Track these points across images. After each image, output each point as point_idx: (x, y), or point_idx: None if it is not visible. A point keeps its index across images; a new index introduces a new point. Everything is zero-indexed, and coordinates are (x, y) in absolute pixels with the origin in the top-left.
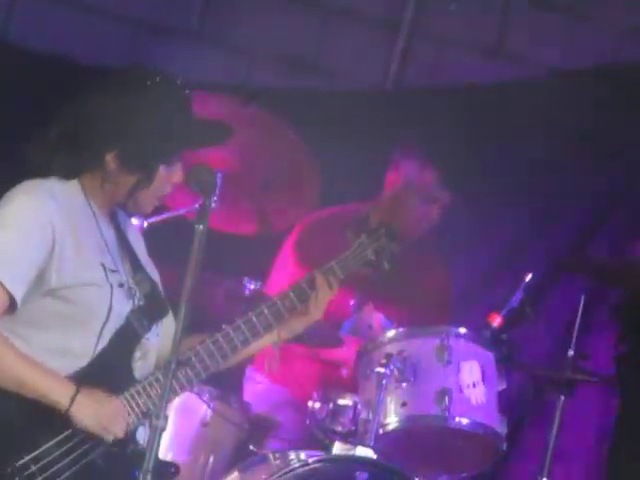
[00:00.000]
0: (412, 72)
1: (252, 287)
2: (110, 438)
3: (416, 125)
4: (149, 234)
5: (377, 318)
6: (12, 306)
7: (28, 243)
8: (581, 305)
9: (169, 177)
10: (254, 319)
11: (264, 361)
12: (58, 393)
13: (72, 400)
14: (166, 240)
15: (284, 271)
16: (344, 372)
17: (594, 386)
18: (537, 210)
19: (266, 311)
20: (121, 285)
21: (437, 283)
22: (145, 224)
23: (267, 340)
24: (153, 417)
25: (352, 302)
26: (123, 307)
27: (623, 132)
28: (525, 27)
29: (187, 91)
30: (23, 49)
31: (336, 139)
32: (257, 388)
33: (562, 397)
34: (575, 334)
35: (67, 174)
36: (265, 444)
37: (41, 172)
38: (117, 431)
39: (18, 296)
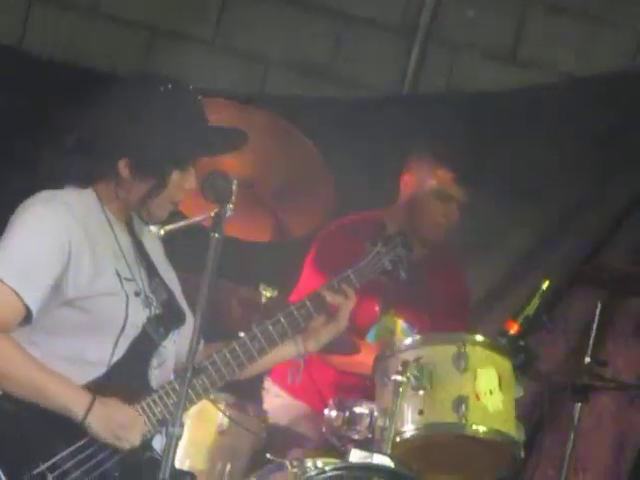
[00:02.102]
0: (428, 79)
1: (268, 295)
2: (126, 447)
3: (432, 131)
4: (166, 242)
5: (397, 324)
6: (28, 317)
7: (44, 255)
8: (598, 311)
9: (182, 183)
10: (270, 328)
11: (287, 372)
12: (74, 402)
13: (88, 409)
14: (183, 248)
15: (307, 281)
16: (362, 379)
17: (611, 392)
18: (553, 215)
19: (282, 320)
20: (137, 294)
21: (456, 290)
22: (162, 232)
23: (292, 351)
24: (169, 425)
25: (377, 309)
26: (139, 316)
27: (638, 138)
28: (540, 33)
29: (200, 97)
30: (38, 57)
31: (351, 146)
32: (275, 401)
33: (579, 404)
34: (592, 341)
35: (81, 182)
36: (282, 452)
37: (56, 180)
38: (133, 440)
39: (34, 308)
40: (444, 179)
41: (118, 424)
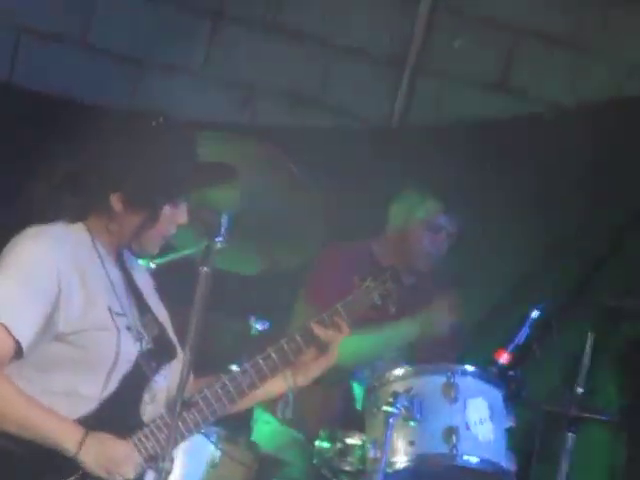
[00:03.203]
0: (417, 109)
1: (259, 328)
2: None
3: (421, 161)
4: (156, 276)
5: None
6: (19, 352)
7: (35, 290)
8: (589, 341)
9: (174, 217)
10: (261, 362)
11: (277, 405)
12: (66, 437)
13: (80, 444)
14: (173, 281)
15: (296, 317)
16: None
17: (603, 424)
18: (542, 245)
19: (273, 354)
20: (129, 328)
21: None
22: (152, 265)
23: (282, 386)
24: (160, 460)
25: None
26: (131, 350)
27: (630, 165)
28: (531, 62)
29: (191, 131)
30: (28, 90)
31: (340, 176)
32: (265, 428)
33: (570, 434)
34: (583, 371)
35: (73, 217)
36: None
37: (46, 215)
38: (126, 475)
39: (25, 343)
40: (433, 210)
41: (111, 459)
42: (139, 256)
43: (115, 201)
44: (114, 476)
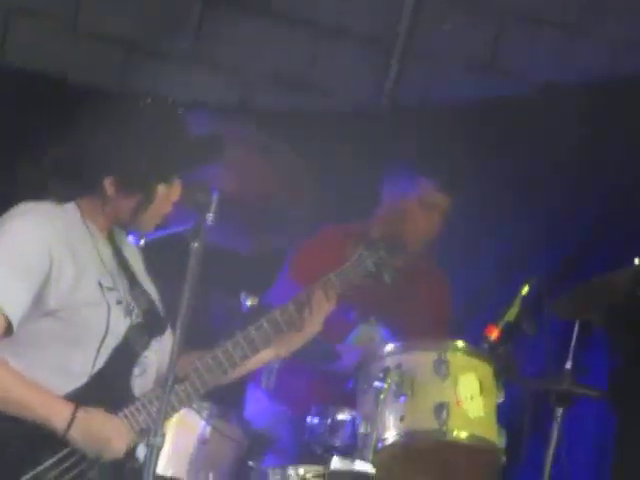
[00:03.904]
0: (406, 90)
1: (250, 303)
2: (109, 458)
3: (410, 141)
4: (147, 251)
5: (379, 331)
6: (9, 328)
7: (25, 266)
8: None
9: (169, 196)
10: (253, 333)
11: (264, 376)
12: (56, 414)
13: (70, 421)
14: (164, 257)
15: (283, 289)
16: (343, 385)
17: (593, 398)
18: (537, 224)
19: (265, 325)
20: (119, 302)
21: (437, 297)
22: (142, 242)
23: (266, 356)
24: (151, 434)
25: (352, 316)
26: (121, 325)
27: (622, 147)
28: (518, 43)
29: (180, 110)
30: (16, 72)
31: (330, 157)
32: (257, 405)
33: (560, 409)
34: (572, 346)
35: (64, 199)
36: (264, 460)
37: (37, 195)
38: (117, 452)
39: (15, 319)
40: (426, 187)
41: (101, 436)
42: (129, 232)
43: (108, 185)
44: (104, 453)
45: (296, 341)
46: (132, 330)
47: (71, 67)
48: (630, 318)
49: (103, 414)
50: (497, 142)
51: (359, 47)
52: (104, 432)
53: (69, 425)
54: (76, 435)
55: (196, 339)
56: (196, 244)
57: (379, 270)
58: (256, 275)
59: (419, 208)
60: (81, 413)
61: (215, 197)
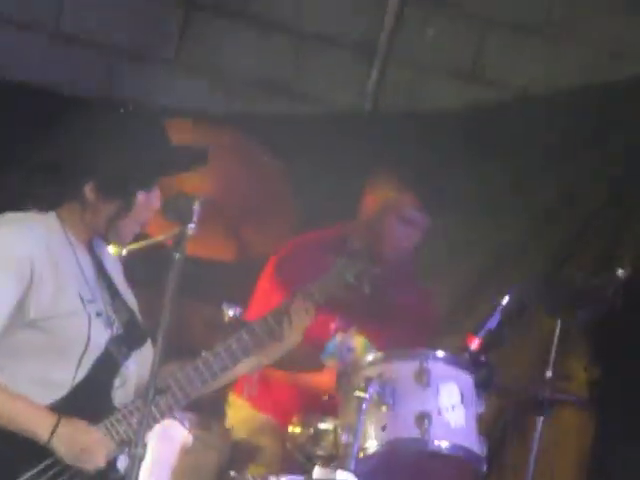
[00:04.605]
0: (388, 96)
1: (231, 314)
2: (91, 470)
3: (393, 148)
4: (128, 261)
5: (359, 341)
6: None
7: (6, 277)
8: (558, 326)
9: (148, 204)
10: (233, 345)
11: (244, 387)
12: (38, 425)
13: (52, 433)
14: (145, 267)
15: (265, 298)
16: (324, 396)
17: (573, 407)
18: (517, 231)
19: (245, 337)
20: (99, 314)
21: (418, 307)
22: (124, 252)
23: (247, 366)
24: (132, 445)
25: (334, 326)
26: (101, 336)
27: (604, 151)
28: (501, 51)
29: (162, 118)
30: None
31: (313, 163)
32: (239, 414)
33: (541, 418)
34: (553, 355)
35: (45, 206)
36: (246, 470)
37: (19, 205)
38: (98, 463)
39: None
40: (405, 204)
41: (83, 447)
42: (111, 242)
43: (88, 191)
44: (85, 464)
45: (277, 351)
46: (113, 342)
47: (54, 73)
48: (610, 326)
49: (85, 425)
50: (480, 149)
51: (342, 52)
52: (86, 443)
53: (51, 435)
54: (58, 445)
55: (177, 350)
56: (177, 254)
57: (359, 281)
58: (238, 285)
59: (398, 223)
60: (64, 424)
61: (197, 205)
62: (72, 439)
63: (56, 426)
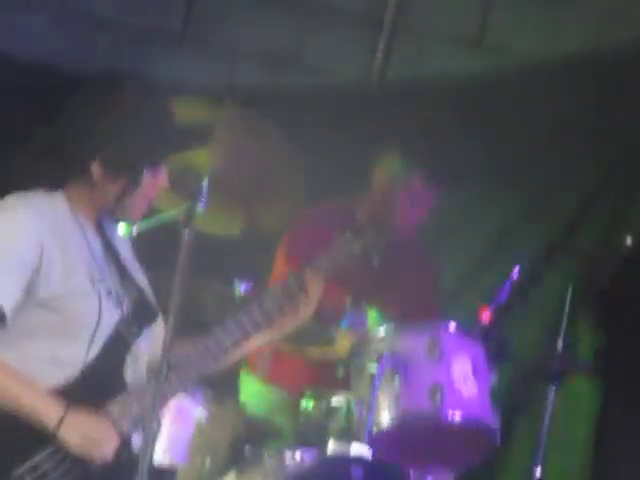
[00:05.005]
0: (396, 67)
1: (242, 289)
2: (98, 460)
3: (400, 119)
4: (138, 240)
5: (371, 315)
6: (2, 321)
7: (16, 258)
8: (569, 296)
9: (155, 181)
10: (244, 320)
11: (256, 362)
12: (45, 416)
13: (59, 424)
14: (155, 245)
15: (278, 272)
16: (338, 370)
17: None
18: (524, 201)
19: (255, 311)
20: (109, 293)
21: (428, 278)
22: (134, 230)
23: (259, 341)
24: (146, 422)
25: (347, 299)
26: (112, 315)
27: (608, 119)
28: (507, 17)
29: (168, 94)
30: (2, 56)
31: (321, 136)
32: (252, 390)
33: (553, 388)
34: (564, 325)
35: (52, 185)
36: (260, 444)
37: (25, 184)
38: (105, 455)
39: (8, 309)
40: (414, 179)
41: (90, 439)
42: (120, 220)
43: (95, 169)
44: (92, 455)
45: (288, 325)
46: (123, 320)
47: (58, 51)
48: (615, 295)
49: (94, 415)
50: (483, 118)
51: (348, 24)
52: (93, 435)
53: (58, 425)
54: (66, 435)
55: (189, 327)
56: (187, 231)
57: (366, 254)
58: (249, 261)
59: (406, 197)
60: (71, 413)
61: (205, 183)
62: (80, 430)
63: (64, 416)
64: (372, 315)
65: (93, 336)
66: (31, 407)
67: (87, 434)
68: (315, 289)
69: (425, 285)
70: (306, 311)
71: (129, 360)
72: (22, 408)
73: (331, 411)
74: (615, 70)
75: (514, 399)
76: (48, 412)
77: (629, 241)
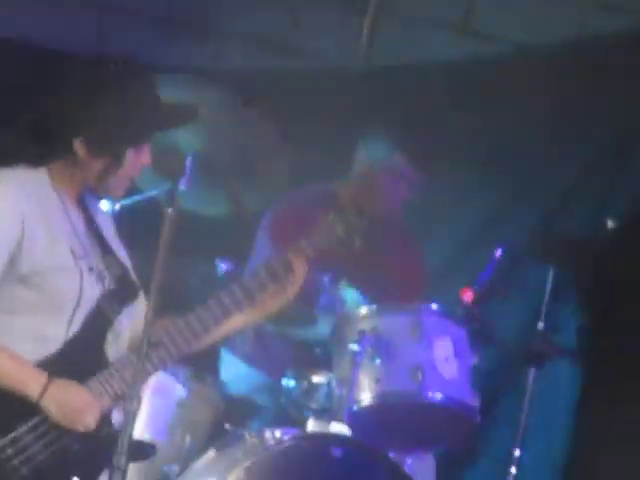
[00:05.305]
0: (380, 51)
1: (224, 268)
2: (81, 430)
3: (385, 104)
4: (120, 217)
5: (350, 294)
6: None
7: None
8: (550, 278)
9: (138, 160)
10: (225, 299)
11: (238, 342)
12: (28, 385)
13: (42, 393)
14: (138, 223)
15: (260, 255)
16: (318, 350)
17: (565, 358)
18: (507, 186)
19: (237, 290)
20: (91, 269)
21: (410, 259)
22: (116, 207)
23: (241, 320)
24: (126, 399)
25: (325, 279)
26: (93, 291)
27: (592, 104)
28: (492, 2)
29: (151, 74)
30: None
31: (305, 119)
32: (232, 370)
33: (533, 369)
34: (545, 307)
35: (36, 162)
36: (240, 423)
37: (9, 160)
38: (88, 424)
39: None
40: (395, 160)
41: (73, 408)
42: (102, 198)
43: (78, 146)
44: (75, 424)
45: (271, 305)
46: (104, 297)
47: (43, 30)
48: (598, 278)
49: (76, 386)
50: (468, 103)
51: (333, 7)
52: (76, 403)
53: (42, 394)
54: (48, 405)
55: (170, 305)
56: (170, 209)
57: (349, 235)
58: (232, 240)
59: (389, 179)
60: (55, 383)
61: (188, 161)
62: (63, 399)
63: (47, 385)
64: (352, 295)
65: (74, 312)
66: (14, 377)
67: (69, 403)
68: (300, 269)
69: (408, 267)
70: (288, 293)
71: (110, 337)
72: (5, 378)
73: (311, 390)
74: (599, 56)
75: (495, 381)
76: (31, 382)
77: (610, 224)
